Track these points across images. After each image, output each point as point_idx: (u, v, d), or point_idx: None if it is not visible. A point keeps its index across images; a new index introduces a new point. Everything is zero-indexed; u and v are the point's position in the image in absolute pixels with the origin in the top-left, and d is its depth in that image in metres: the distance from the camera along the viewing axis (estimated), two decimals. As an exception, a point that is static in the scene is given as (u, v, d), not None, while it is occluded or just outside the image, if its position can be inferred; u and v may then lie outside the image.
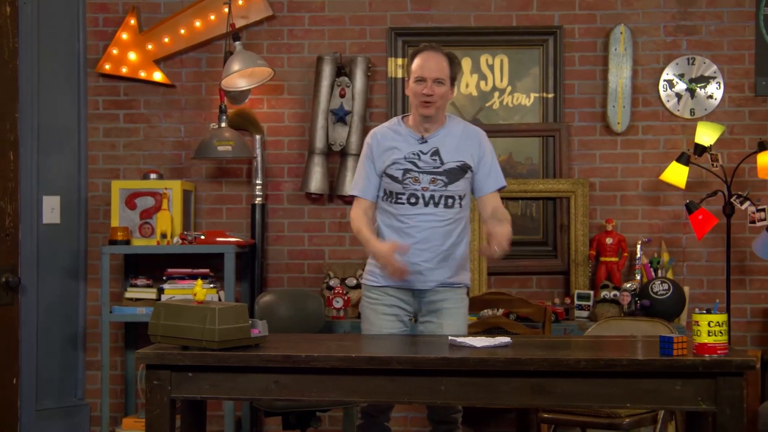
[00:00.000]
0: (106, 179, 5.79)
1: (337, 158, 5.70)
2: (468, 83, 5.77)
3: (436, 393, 3.40)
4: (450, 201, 4.03)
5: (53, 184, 5.64)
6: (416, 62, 4.05)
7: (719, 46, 5.68)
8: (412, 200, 4.04)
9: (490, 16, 5.74)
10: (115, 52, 5.76)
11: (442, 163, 4.03)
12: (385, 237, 4.11)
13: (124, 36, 5.75)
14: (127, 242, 5.43)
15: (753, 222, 5.45)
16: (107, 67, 5.77)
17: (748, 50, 5.66)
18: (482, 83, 5.77)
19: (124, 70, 5.78)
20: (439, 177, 4.02)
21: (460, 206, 4.07)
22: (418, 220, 4.03)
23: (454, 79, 4.08)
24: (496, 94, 5.76)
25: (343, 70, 5.67)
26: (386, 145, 4.10)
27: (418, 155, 4.04)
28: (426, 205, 4.03)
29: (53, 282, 5.63)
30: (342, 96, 5.64)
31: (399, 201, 4.06)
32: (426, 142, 4.06)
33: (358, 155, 5.60)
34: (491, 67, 5.77)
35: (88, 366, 5.79)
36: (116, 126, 5.85)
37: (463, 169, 4.05)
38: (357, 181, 4.20)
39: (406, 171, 4.04)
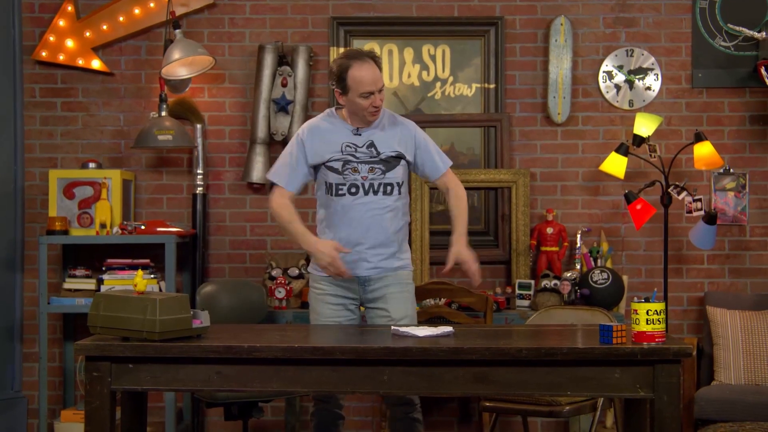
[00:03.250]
0: (43, 168, 5.70)
1: (278, 148, 5.67)
2: (410, 73, 5.78)
3: (379, 383, 3.41)
4: (389, 188, 4.13)
5: (-11, 174, 5.54)
6: (358, 78, 4.05)
7: (657, 38, 5.76)
8: (353, 190, 4.11)
9: (432, 6, 5.75)
10: (51, 39, 5.66)
11: (378, 153, 4.12)
12: (327, 231, 4.20)
13: (61, 23, 5.66)
14: (66, 232, 5.36)
15: (690, 212, 5.55)
16: (44, 54, 5.68)
17: (685, 42, 5.75)
18: (424, 73, 5.78)
19: (61, 58, 5.68)
20: (376, 166, 4.11)
21: (399, 193, 4.16)
22: (360, 209, 4.11)
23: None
24: (438, 84, 5.78)
25: (284, 59, 5.65)
26: (322, 138, 4.17)
27: (355, 147, 4.12)
28: (366, 193, 4.11)
29: (-11, 273, 5.54)
30: (284, 85, 5.62)
31: (339, 193, 4.12)
32: (360, 135, 4.15)
33: (300, 145, 5.59)
34: (433, 58, 5.78)
35: (26, 358, 5.71)
36: (53, 114, 5.75)
37: (398, 158, 4.14)
38: (280, 171, 4.23)
39: (345, 162, 4.11)
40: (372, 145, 4.13)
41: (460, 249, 4.18)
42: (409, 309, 4.19)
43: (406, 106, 5.75)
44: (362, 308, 4.30)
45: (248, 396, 4.71)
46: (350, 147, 4.12)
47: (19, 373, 5.69)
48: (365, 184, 4.10)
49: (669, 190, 5.46)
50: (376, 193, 4.11)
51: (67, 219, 5.38)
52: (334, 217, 4.17)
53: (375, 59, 4.10)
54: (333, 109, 4.28)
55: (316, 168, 4.19)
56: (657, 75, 5.73)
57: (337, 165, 4.11)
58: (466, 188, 5.64)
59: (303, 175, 4.21)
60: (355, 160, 4.11)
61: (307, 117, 5.65)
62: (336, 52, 5.71)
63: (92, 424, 3.44)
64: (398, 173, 4.14)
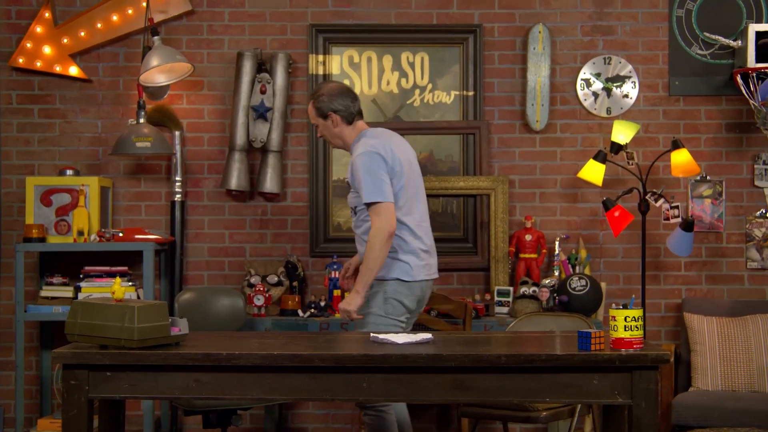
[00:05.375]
0: (20, 175, 5.67)
1: (257, 155, 5.67)
2: (389, 81, 5.79)
3: (358, 390, 3.41)
4: (351, 211, 4.52)
5: (-35, 181, 5.51)
6: None
7: (634, 46, 5.80)
8: None
9: (411, 14, 5.77)
10: (29, 45, 5.64)
11: (345, 180, 4.57)
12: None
13: (39, 29, 5.63)
14: (43, 240, 5.33)
15: (667, 219, 5.59)
16: (21, 60, 5.65)
17: (662, 51, 5.79)
18: (403, 81, 5.79)
19: (38, 64, 5.66)
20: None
21: (355, 214, 4.48)
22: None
23: (323, 113, 4.45)
24: (417, 91, 5.79)
25: (263, 66, 5.64)
26: None
27: None
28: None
29: (-35, 281, 5.50)
30: (263, 92, 5.61)
31: None
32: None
33: (278, 152, 5.62)
34: (412, 65, 5.79)
35: (2, 366, 5.66)
36: (31, 121, 5.73)
37: (348, 186, 4.49)
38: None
39: None
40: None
41: (349, 297, 4.34)
42: (368, 308, 4.36)
43: (385, 113, 5.76)
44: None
45: (227, 404, 4.69)
46: None
47: (-5, 382, 5.66)
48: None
49: (646, 197, 5.49)
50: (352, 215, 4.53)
51: (44, 226, 5.36)
52: None
53: (314, 98, 4.47)
54: None
55: None
56: (634, 83, 5.76)
57: None
58: (445, 195, 5.72)
59: None
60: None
61: (285, 124, 5.65)
62: (315, 60, 5.71)
63: (70, 432, 3.42)
64: (353, 199, 4.44)
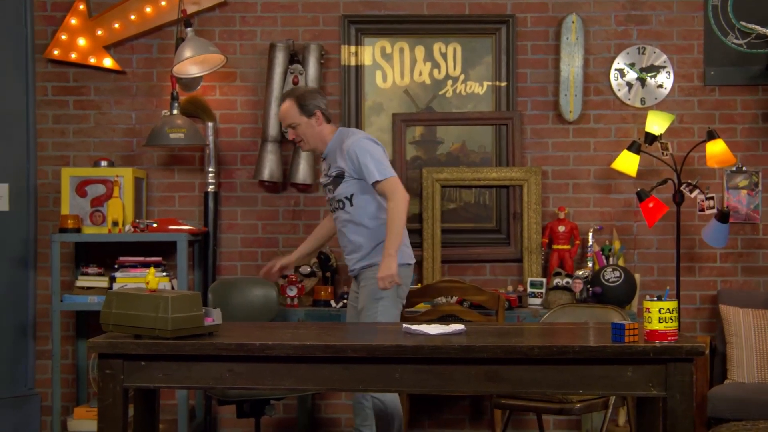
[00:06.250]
0: (55, 166, 5.72)
1: (290, 146, 5.68)
2: (421, 71, 5.77)
3: (390, 380, 3.41)
4: (340, 204, 4.60)
5: (1, 171, 5.56)
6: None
7: (669, 35, 5.74)
8: (330, 208, 4.73)
9: (443, 4, 5.75)
10: (63, 37, 5.68)
11: (329, 175, 4.63)
12: None
13: (73, 21, 5.68)
14: (78, 230, 5.37)
15: (702, 210, 5.54)
16: (56, 52, 5.69)
17: (697, 40, 5.73)
18: (435, 71, 5.78)
19: (73, 56, 5.70)
20: (329, 186, 4.64)
21: (351, 205, 4.57)
22: (336, 223, 4.70)
23: (309, 110, 4.59)
24: (449, 82, 5.77)
25: (296, 57, 5.65)
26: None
27: (323, 172, 4.71)
28: (333, 211, 4.69)
29: (2, 271, 5.56)
30: (295, 83, 5.62)
31: (330, 210, 4.75)
32: (325, 159, 4.70)
33: (311, 143, 5.61)
34: (444, 56, 5.78)
35: (39, 355, 5.72)
36: (66, 112, 5.77)
37: (339, 176, 4.56)
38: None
39: (323, 188, 4.76)
40: (329, 167, 4.64)
41: (384, 263, 4.41)
42: (366, 299, 4.51)
43: (417, 104, 5.75)
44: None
45: (260, 394, 4.71)
46: (323, 172, 4.71)
47: (32, 371, 5.71)
48: (332, 204, 4.67)
49: (681, 188, 5.44)
50: (336, 210, 4.64)
51: (79, 217, 5.40)
52: None
53: (295, 97, 4.59)
54: None
55: None
56: (669, 73, 5.71)
57: (323, 189, 4.78)
58: (477, 186, 5.70)
59: None
60: (323, 184, 4.70)
61: (318, 115, 5.66)
62: (347, 50, 5.71)
63: (105, 421, 3.45)
64: (346, 188, 4.54)
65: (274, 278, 4.88)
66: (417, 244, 5.62)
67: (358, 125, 5.70)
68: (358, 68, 5.73)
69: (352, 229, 4.58)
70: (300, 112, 4.57)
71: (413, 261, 4.65)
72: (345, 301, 5.39)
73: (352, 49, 5.73)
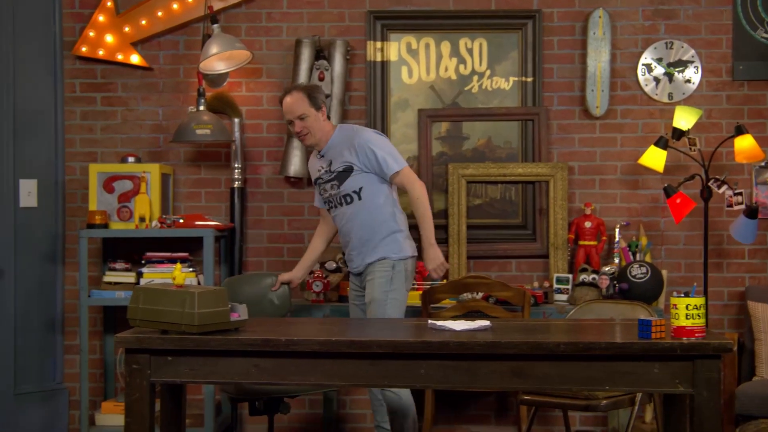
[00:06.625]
0: (83, 162, 5.76)
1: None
2: (447, 67, 5.76)
3: (416, 376, 3.41)
4: (348, 198, 4.66)
5: (30, 168, 5.60)
6: (283, 108, 4.72)
7: (697, 30, 5.70)
8: (331, 205, 4.77)
9: (469, 0, 5.73)
10: (91, 34, 5.72)
11: (332, 171, 4.68)
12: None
13: (101, 18, 5.71)
14: (105, 226, 5.40)
15: (730, 206, 5.50)
16: (84, 49, 5.73)
17: (725, 34, 5.68)
18: (461, 67, 5.76)
19: (101, 53, 5.74)
20: (333, 182, 4.69)
21: (360, 198, 4.64)
22: (338, 220, 4.76)
23: (318, 104, 4.68)
24: (475, 77, 5.76)
25: (321, 53, 5.66)
26: (311, 166, 4.91)
27: (322, 169, 4.74)
28: (337, 207, 4.73)
29: (31, 266, 5.60)
30: (321, 79, 5.63)
31: (328, 208, 4.84)
32: (323, 156, 4.75)
33: (337, 139, 5.62)
34: (470, 51, 5.76)
35: (67, 350, 5.77)
36: (93, 109, 5.81)
37: (347, 170, 4.64)
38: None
39: (320, 185, 4.80)
40: (330, 164, 4.69)
41: (430, 254, 4.59)
42: (376, 293, 4.58)
43: (443, 100, 5.74)
44: None
45: (277, 390, 4.65)
46: (320, 170, 4.76)
47: (60, 365, 5.76)
48: (334, 200, 4.72)
49: (709, 183, 5.41)
50: (341, 205, 4.69)
51: (106, 213, 5.43)
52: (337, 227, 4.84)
53: (303, 89, 4.67)
54: None
55: None
56: (697, 67, 5.67)
57: (318, 188, 4.83)
58: (503, 182, 5.69)
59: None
60: (323, 181, 4.74)
61: (344, 111, 5.67)
62: (373, 46, 5.71)
63: (132, 415, 3.48)
64: (355, 182, 4.63)
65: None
66: (443, 240, 5.63)
67: (384, 121, 5.70)
68: (384, 64, 5.73)
69: (360, 223, 4.65)
70: (310, 104, 4.65)
71: (416, 253, 4.74)
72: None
73: (378, 44, 5.72)
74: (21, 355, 5.53)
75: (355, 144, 4.62)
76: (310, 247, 5.02)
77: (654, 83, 5.69)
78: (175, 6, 5.72)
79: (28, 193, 5.57)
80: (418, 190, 4.63)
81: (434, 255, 4.57)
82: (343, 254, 5.53)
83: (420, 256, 4.70)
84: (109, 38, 5.72)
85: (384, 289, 4.56)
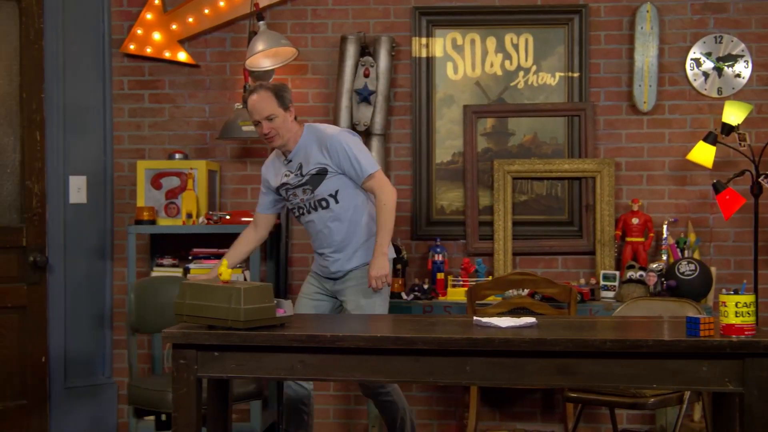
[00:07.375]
0: (131, 159, 5.82)
1: (361, 138, 5.69)
2: (493, 63, 5.74)
3: (461, 373, 3.41)
4: (324, 203, 4.45)
5: (79, 164, 5.67)
6: (248, 108, 4.44)
7: (747, 23, 5.62)
8: (301, 211, 4.53)
9: (516, -5, 5.71)
10: (139, 32, 5.77)
11: (303, 175, 4.44)
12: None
13: (149, 16, 5.76)
14: (153, 222, 5.46)
15: (781, 202, 5.41)
16: (132, 47, 5.79)
17: (776, 28, 5.61)
18: (507, 63, 5.74)
19: (148, 51, 5.79)
20: (306, 187, 4.45)
21: (336, 202, 4.44)
22: (312, 226, 4.53)
23: (286, 103, 4.42)
24: (521, 73, 5.73)
25: (367, 49, 5.66)
26: (268, 176, 4.63)
27: (289, 174, 4.49)
28: (309, 212, 4.50)
29: (80, 261, 5.67)
30: (366, 76, 5.63)
31: (296, 215, 4.60)
32: (291, 161, 4.49)
33: (382, 135, 5.63)
34: (516, 47, 5.73)
35: (116, 345, 5.83)
36: (141, 106, 5.87)
37: (321, 173, 4.41)
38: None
39: (286, 190, 4.53)
40: (300, 167, 4.45)
41: (379, 262, 4.35)
42: (361, 300, 4.44)
43: (489, 96, 5.72)
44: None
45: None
46: (287, 175, 4.49)
47: (109, 360, 5.83)
48: (305, 205, 4.49)
49: (759, 179, 5.33)
50: (315, 209, 4.47)
51: (154, 209, 5.49)
52: (308, 233, 4.62)
53: (271, 88, 4.40)
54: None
55: None
56: (747, 62, 5.59)
57: (283, 194, 4.56)
58: (549, 178, 5.65)
59: (270, 198, 4.69)
60: (291, 186, 4.49)
61: (389, 107, 5.67)
62: (418, 42, 5.70)
63: (180, 410, 3.51)
64: (330, 185, 4.41)
65: None
66: (488, 236, 5.62)
67: (429, 117, 5.69)
68: (429, 60, 5.72)
69: (338, 227, 4.46)
70: (278, 104, 4.39)
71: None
72: (416, 293, 5.39)
73: (423, 41, 5.71)
74: (71, 349, 5.61)
75: (327, 144, 4.39)
76: (231, 252, 4.69)
77: (703, 78, 5.62)
78: (221, 3, 5.76)
79: (77, 189, 5.65)
80: (388, 195, 4.39)
81: (382, 264, 4.32)
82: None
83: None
84: (157, 36, 5.77)
85: (370, 295, 4.41)
